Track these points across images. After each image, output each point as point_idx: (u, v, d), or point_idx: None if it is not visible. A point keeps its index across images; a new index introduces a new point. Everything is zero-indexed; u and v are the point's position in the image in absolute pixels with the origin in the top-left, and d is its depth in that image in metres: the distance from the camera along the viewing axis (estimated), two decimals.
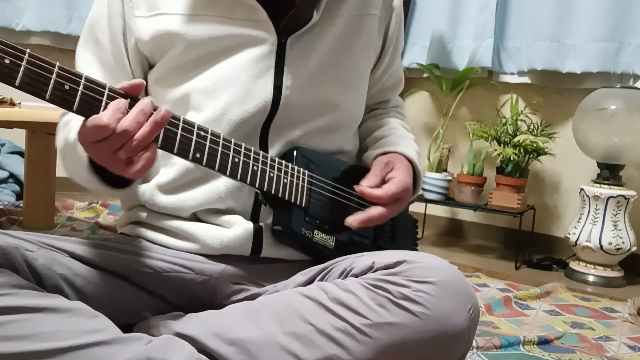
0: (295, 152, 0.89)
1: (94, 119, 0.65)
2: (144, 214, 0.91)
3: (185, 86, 0.87)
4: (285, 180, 0.85)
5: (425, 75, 2.46)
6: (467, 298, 0.72)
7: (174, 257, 0.87)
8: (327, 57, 0.91)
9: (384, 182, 0.90)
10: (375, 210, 0.87)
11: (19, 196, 2.34)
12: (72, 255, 0.81)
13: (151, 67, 0.92)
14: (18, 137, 2.45)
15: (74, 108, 0.65)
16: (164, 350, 0.69)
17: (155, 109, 0.68)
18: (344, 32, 0.93)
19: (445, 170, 2.34)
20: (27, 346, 0.65)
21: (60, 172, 2.01)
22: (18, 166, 2.41)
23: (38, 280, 0.76)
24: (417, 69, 2.50)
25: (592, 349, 1.29)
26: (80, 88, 0.65)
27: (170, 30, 0.86)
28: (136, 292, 0.84)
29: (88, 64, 0.90)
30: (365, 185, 0.88)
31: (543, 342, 1.30)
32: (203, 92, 0.86)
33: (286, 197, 0.85)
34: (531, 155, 2.13)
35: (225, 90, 0.86)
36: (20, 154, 2.52)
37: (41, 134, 1.88)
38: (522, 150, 2.09)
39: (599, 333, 1.43)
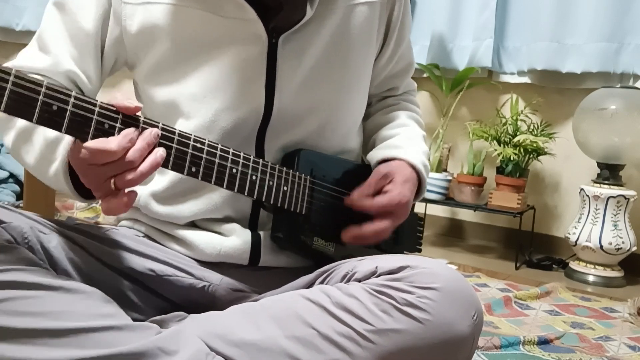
0: (297, 155, 0.86)
1: (101, 143, 0.63)
2: (141, 215, 0.91)
3: (173, 89, 0.85)
4: (285, 188, 0.83)
5: (425, 75, 2.46)
6: (471, 304, 0.71)
7: (174, 260, 0.86)
8: (323, 55, 0.87)
9: (379, 193, 0.88)
10: (368, 227, 0.86)
11: (19, 196, 2.33)
12: (79, 246, 0.81)
13: (129, 66, 0.89)
14: None
15: (63, 129, 0.62)
16: (174, 342, 0.69)
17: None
18: (341, 25, 0.88)
19: (445, 170, 2.35)
20: (39, 323, 0.65)
21: None
22: (18, 166, 2.41)
23: (51, 262, 0.76)
24: (417, 68, 2.49)
25: (592, 349, 1.29)
26: (70, 107, 0.62)
27: (159, 23, 0.83)
28: (138, 289, 0.84)
29: (55, 33, 0.84)
30: (357, 195, 0.87)
31: (543, 342, 1.30)
32: (192, 98, 0.84)
33: (285, 206, 0.83)
34: (531, 155, 2.13)
35: (215, 96, 0.83)
36: None
37: None
38: (522, 150, 2.09)
39: (599, 333, 1.43)
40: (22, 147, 0.80)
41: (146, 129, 0.68)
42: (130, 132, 0.65)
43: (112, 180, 0.66)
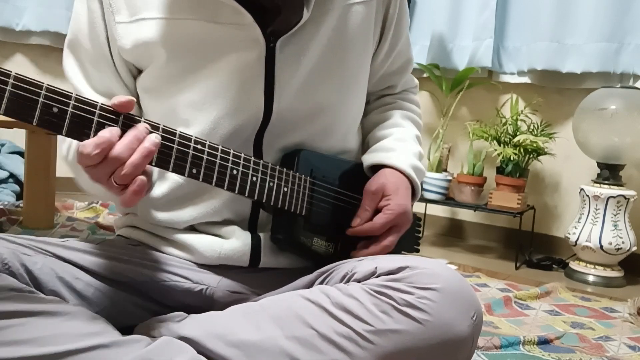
0: (297, 155, 0.86)
1: (80, 147, 0.63)
2: (139, 221, 0.90)
3: (174, 99, 0.85)
4: (286, 189, 0.83)
5: (425, 75, 2.46)
6: (471, 304, 0.71)
7: (171, 266, 0.86)
8: (321, 57, 0.87)
9: (378, 211, 0.89)
10: (375, 247, 0.88)
11: (19, 196, 2.34)
12: (70, 263, 0.80)
13: (140, 72, 0.89)
14: (18, 137, 2.45)
15: (64, 132, 0.61)
16: (164, 353, 0.69)
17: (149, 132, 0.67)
18: (338, 26, 0.87)
19: (445, 170, 2.35)
20: (25, 351, 0.65)
21: (60, 172, 2.00)
22: (18, 166, 2.41)
23: (36, 284, 0.75)
24: (417, 69, 2.50)
25: (592, 349, 1.29)
26: (70, 109, 0.61)
27: (152, 38, 0.82)
28: (135, 298, 0.84)
29: (77, 74, 0.87)
30: (357, 222, 0.88)
31: (543, 342, 1.29)
32: (191, 105, 0.84)
33: (286, 207, 0.83)
34: (531, 155, 2.13)
35: (214, 104, 0.83)
36: (20, 154, 2.52)
37: (41, 134, 1.88)
38: (522, 150, 2.09)
39: (599, 333, 1.43)
40: (79, 177, 0.83)
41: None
42: (105, 131, 0.64)
43: (112, 178, 0.66)
